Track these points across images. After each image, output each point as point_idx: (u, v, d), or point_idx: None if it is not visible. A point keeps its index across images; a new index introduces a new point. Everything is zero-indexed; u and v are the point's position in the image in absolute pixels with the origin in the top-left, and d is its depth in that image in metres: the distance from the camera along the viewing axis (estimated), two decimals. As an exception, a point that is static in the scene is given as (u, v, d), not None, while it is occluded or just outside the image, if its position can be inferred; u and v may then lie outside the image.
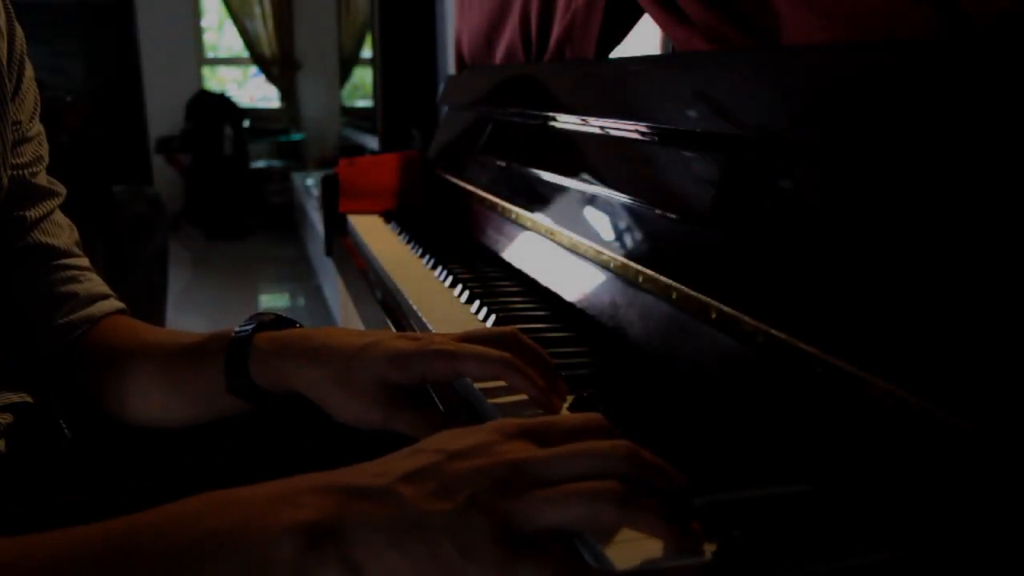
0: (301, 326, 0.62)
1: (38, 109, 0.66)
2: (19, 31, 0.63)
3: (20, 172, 0.64)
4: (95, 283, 0.69)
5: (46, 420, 0.62)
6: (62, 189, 0.69)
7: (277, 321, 0.61)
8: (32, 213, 0.65)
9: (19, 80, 0.63)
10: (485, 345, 0.53)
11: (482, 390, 0.56)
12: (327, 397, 0.54)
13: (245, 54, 5.52)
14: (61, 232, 0.68)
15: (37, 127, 0.66)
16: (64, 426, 0.64)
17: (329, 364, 0.54)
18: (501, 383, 0.54)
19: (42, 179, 0.67)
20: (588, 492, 0.36)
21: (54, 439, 0.63)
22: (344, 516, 0.36)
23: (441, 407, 0.59)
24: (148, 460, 0.63)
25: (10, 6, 0.62)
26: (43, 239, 0.66)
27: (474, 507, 0.36)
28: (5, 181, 0.60)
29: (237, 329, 0.60)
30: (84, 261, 0.70)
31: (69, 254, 0.68)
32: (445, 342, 0.54)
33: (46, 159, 0.68)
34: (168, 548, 0.35)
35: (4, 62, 0.60)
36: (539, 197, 0.94)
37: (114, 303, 0.70)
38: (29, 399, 0.62)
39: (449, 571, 0.34)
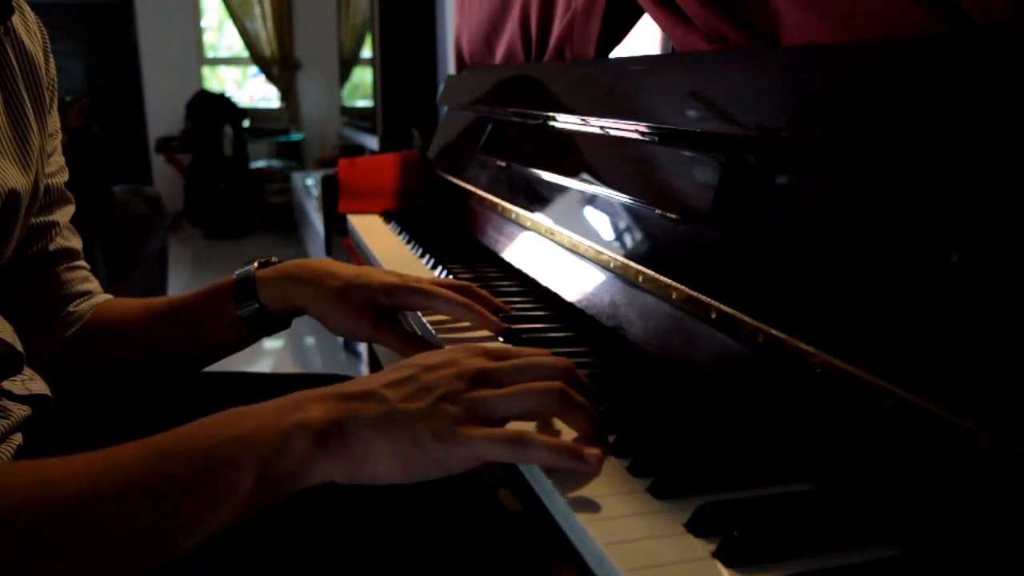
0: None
1: (59, 127, 0.74)
2: (52, 60, 0.71)
3: (53, 181, 0.72)
4: (96, 282, 0.79)
5: (61, 413, 0.65)
6: (74, 200, 0.77)
7: (268, 262, 0.74)
8: (59, 218, 0.73)
9: (52, 99, 0.70)
10: (449, 290, 0.70)
11: (431, 324, 0.74)
12: (327, 312, 0.68)
13: (245, 54, 5.51)
14: (75, 236, 0.77)
15: (57, 141, 0.74)
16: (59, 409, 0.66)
17: (329, 286, 0.68)
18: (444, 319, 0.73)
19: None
20: (538, 389, 0.46)
21: (70, 431, 0.65)
22: (341, 413, 0.44)
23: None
24: None
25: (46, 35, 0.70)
26: (66, 244, 0.74)
27: (444, 401, 0.45)
28: (42, 187, 0.67)
29: (238, 272, 0.72)
30: (87, 264, 0.79)
31: (82, 256, 0.77)
32: (422, 281, 0.70)
33: (67, 174, 0.76)
34: (200, 449, 0.42)
35: (45, 79, 0.67)
36: (539, 197, 0.94)
37: (106, 295, 0.80)
38: (47, 392, 0.64)
39: (424, 450, 0.43)
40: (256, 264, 0.72)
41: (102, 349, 0.73)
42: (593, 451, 0.43)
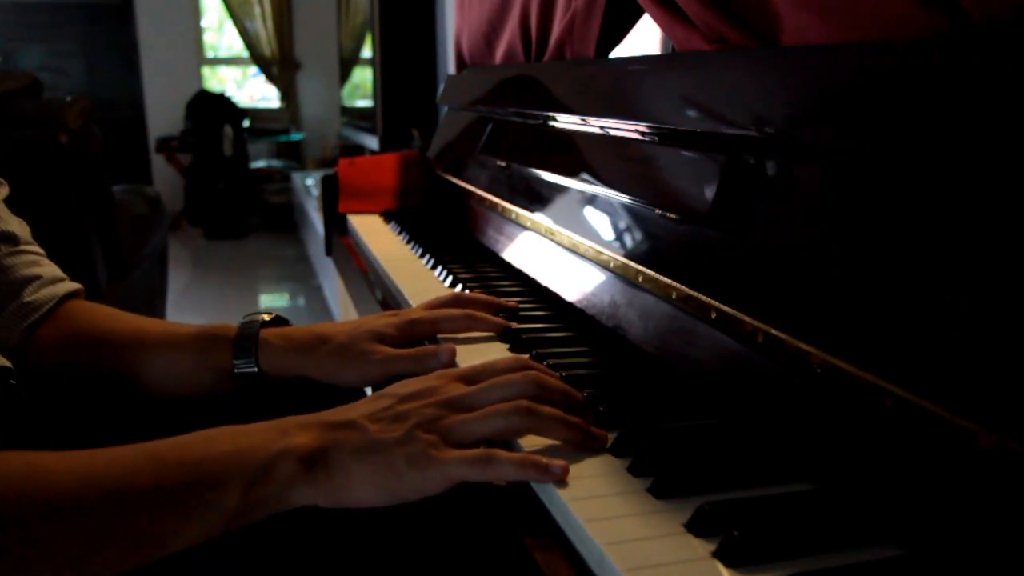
0: (289, 323, 0.73)
1: None
2: None
3: None
4: (54, 267, 0.75)
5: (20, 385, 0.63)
6: (5, 182, 0.74)
7: (275, 320, 0.72)
8: None
9: None
10: (447, 307, 0.72)
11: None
12: (334, 371, 0.66)
13: (245, 54, 5.51)
14: (13, 220, 0.73)
15: None
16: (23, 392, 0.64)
17: (331, 347, 0.67)
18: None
19: None
20: (504, 409, 0.49)
21: (30, 404, 0.64)
22: (325, 442, 0.47)
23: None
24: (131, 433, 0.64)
25: None
26: (2, 226, 0.70)
27: (419, 428, 0.48)
28: None
29: (241, 325, 0.69)
30: (40, 249, 0.75)
31: (28, 242, 0.73)
32: (421, 312, 0.71)
33: None
34: (191, 462, 0.45)
35: None
36: (539, 197, 0.94)
37: (72, 284, 0.75)
38: (8, 363, 0.62)
39: (400, 476, 0.46)
40: (260, 321, 0.70)
41: (69, 352, 0.70)
42: (558, 462, 0.45)
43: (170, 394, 0.70)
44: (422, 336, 0.71)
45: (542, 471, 0.45)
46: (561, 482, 0.45)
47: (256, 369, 0.67)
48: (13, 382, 0.62)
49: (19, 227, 0.73)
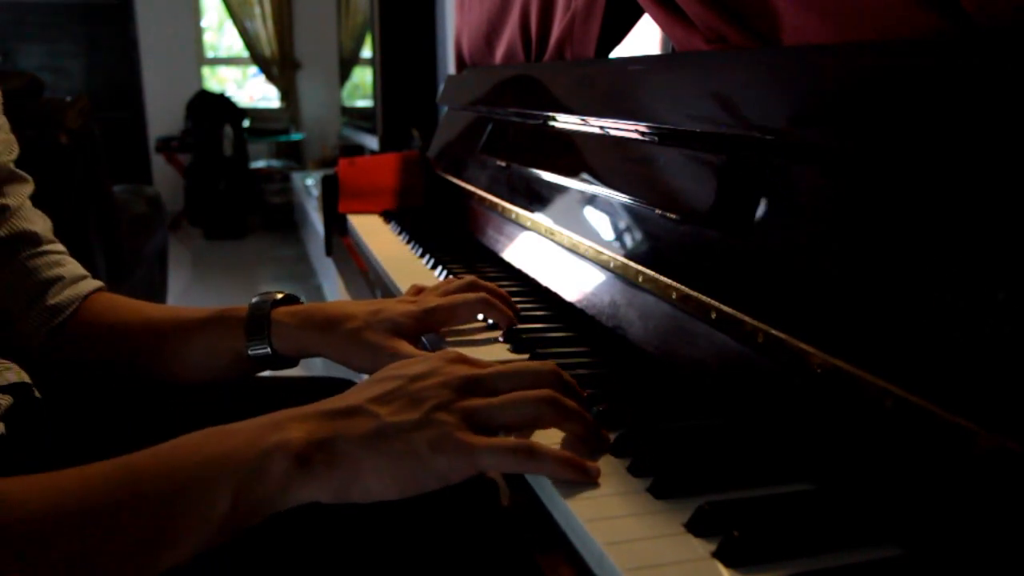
0: (302, 301, 0.71)
1: None
2: None
3: None
4: (75, 265, 0.73)
5: (40, 402, 0.62)
6: (30, 178, 0.72)
7: (286, 298, 0.70)
8: (11, 201, 0.68)
9: None
10: (460, 292, 0.70)
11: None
12: (348, 354, 0.65)
13: (245, 54, 5.51)
14: (38, 219, 0.72)
15: (2, 120, 0.70)
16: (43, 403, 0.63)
17: (346, 328, 0.65)
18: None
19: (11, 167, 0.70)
20: (534, 398, 0.46)
21: (50, 421, 0.63)
22: (327, 433, 0.43)
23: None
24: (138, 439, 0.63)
25: None
26: (25, 226, 0.69)
27: (440, 410, 0.44)
28: None
29: (252, 305, 0.68)
30: (62, 247, 0.73)
31: (50, 240, 0.72)
32: (437, 299, 0.69)
33: (16, 149, 0.70)
34: (174, 468, 0.41)
35: None
36: (539, 197, 0.94)
37: (94, 282, 0.74)
38: (28, 379, 0.61)
39: (422, 462, 0.42)
40: (271, 300, 0.68)
41: (90, 347, 0.69)
42: (594, 464, 0.44)
43: (188, 381, 0.68)
44: (439, 325, 0.70)
45: (581, 471, 0.43)
46: (593, 483, 0.44)
47: (269, 350, 0.66)
48: (38, 395, 0.61)
49: (42, 224, 0.72)
